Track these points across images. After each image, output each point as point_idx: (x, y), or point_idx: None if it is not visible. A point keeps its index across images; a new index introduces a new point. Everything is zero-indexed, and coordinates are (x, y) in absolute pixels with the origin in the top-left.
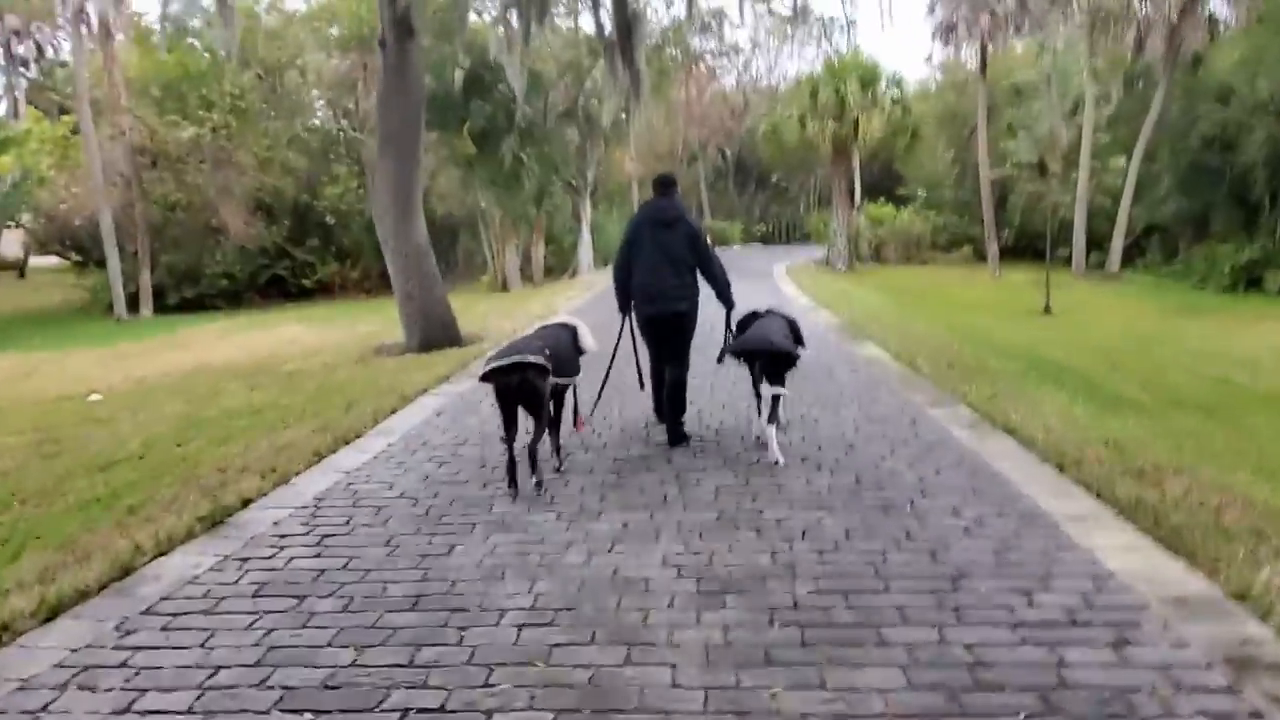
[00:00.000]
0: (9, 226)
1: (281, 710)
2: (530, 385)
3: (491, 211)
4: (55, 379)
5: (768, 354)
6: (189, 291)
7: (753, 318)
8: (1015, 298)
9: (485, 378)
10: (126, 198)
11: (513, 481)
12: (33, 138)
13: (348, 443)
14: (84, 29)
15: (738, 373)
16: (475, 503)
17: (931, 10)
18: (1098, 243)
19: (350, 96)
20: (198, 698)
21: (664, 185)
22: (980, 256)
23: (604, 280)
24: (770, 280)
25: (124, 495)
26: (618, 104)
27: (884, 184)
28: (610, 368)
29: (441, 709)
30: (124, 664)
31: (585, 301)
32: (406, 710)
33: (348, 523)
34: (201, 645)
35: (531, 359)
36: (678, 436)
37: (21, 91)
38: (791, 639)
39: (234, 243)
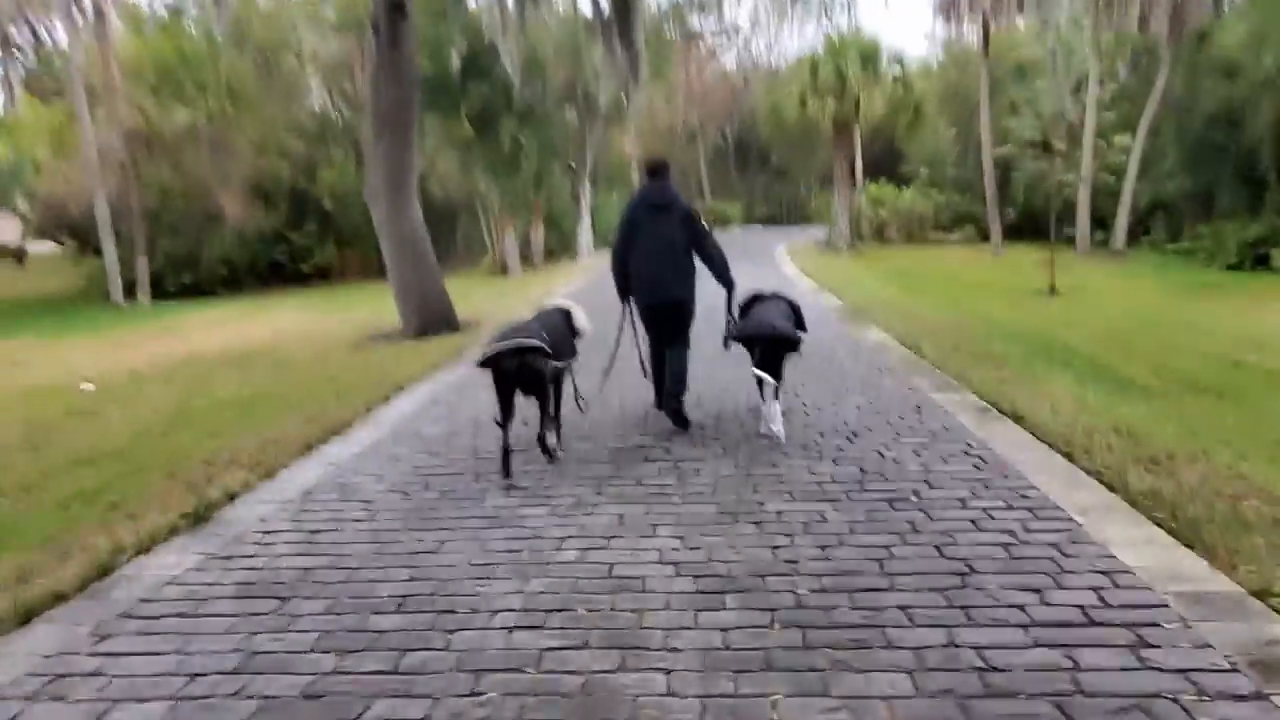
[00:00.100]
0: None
1: None
2: (530, 369)
3: (490, 195)
4: (47, 368)
5: (769, 339)
6: (187, 278)
7: (755, 300)
8: (1019, 278)
9: (484, 363)
10: (122, 184)
11: (506, 470)
12: (27, 124)
13: (338, 434)
14: (77, 13)
15: (738, 357)
16: (467, 496)
17: None
18: (1101, 221)
19: (347, 79)
20: (171, 709)
21: (656, 169)
22: (983, 236)
23: (604, 263)
24: (771, 262)
25: (108, 490)
26: (616, 85)
27: (886, 163)
28: (615, 354)
29: None
30: (97, 672)
31: (585, 284)
32: None
33: (335, 518)
34: (178, 651)
35: (531, 342)
36: (679, 418)
37: (18, 78)
38: (793, 641)
39: (232, 228)
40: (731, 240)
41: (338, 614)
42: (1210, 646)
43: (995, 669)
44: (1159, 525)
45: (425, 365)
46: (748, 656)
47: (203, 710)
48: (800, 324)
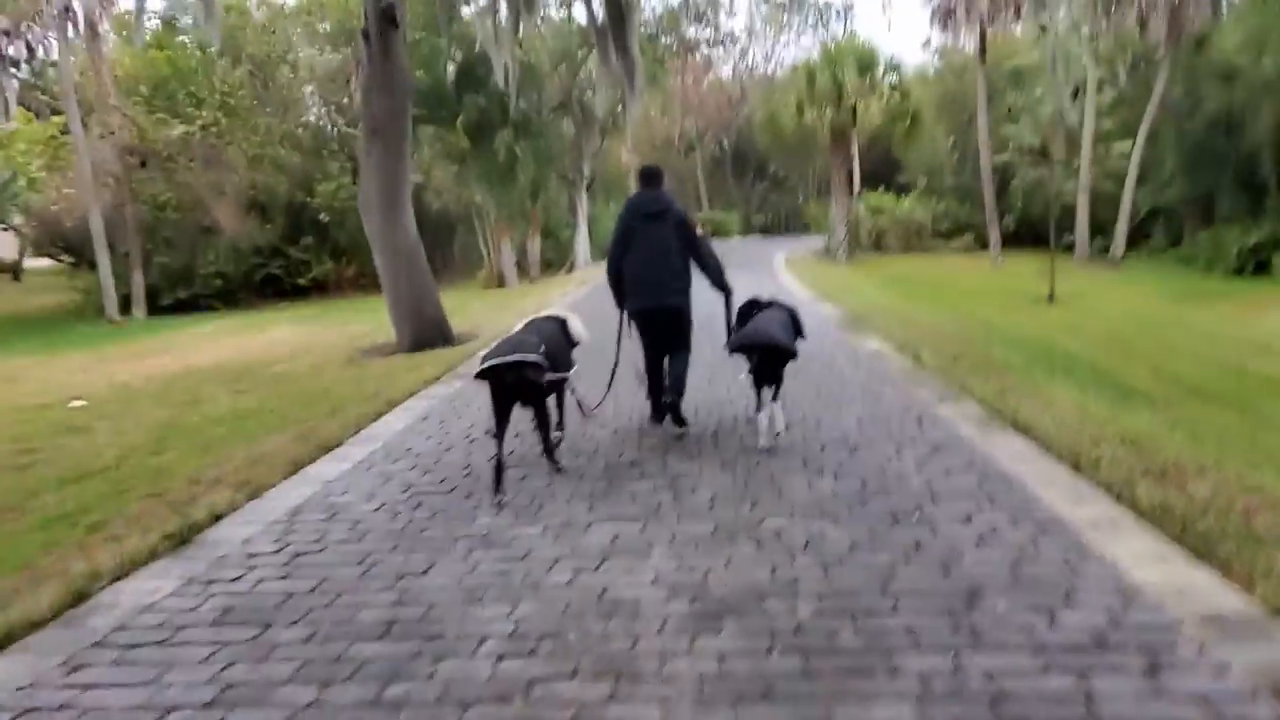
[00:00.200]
0: (1, 228)
1: None
2: (527, 382)
3: (486, 206)
4: (38, 385)
5: (765, 348)
6: (183, 292)
7: (753, 306)
8: (1018, 285)
9: (481, 375)
10: (117, 198)
11: (499, 485)
12: (21, 138)
13: (328, 451)
14: (70, 27)
15: (736, 367)
16: (458, 515)
17: None
18: (1101, 228)
19: (343, 92)
20: None
21: (650, 177)
22: (982, 244)
23: (601, 274)
24: (770, 271)
25: (91, 510)
26: (612, 95)
27: (883, 172)
28: (616, 365)
29: None
30: (67, 705)
31: (582, 295)
32: None
33: (321, 539)
34: (153, 682)
35: (529, 356)
36: (678, 420)
37: (12, 92)
38: (793, 669)
39: (227, 242)
40: (729, 250)
41: (320, 642)
42: (1230, 671)
43: (1006, 696)
44: (1170, 540)
45: (419, 380)
46: (746, 684)
47: None
48: (799, 330)
